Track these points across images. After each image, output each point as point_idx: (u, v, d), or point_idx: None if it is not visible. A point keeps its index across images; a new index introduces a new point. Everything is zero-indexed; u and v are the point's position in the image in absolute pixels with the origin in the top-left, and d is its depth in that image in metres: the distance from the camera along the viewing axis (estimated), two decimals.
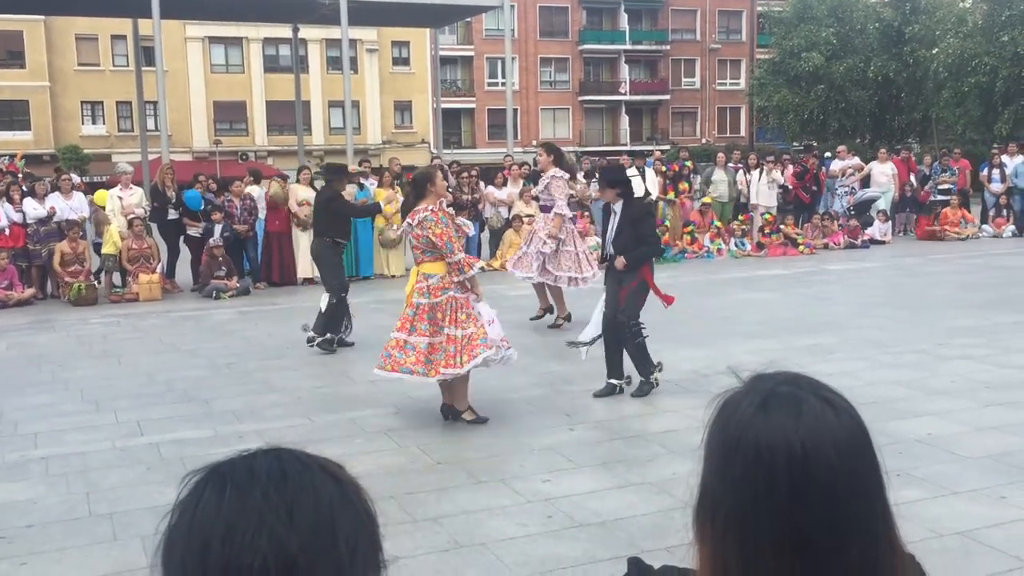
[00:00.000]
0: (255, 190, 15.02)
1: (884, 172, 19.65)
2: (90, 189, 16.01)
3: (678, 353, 8.41)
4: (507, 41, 23.81)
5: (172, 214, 14.30)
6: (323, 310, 9.33)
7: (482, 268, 10.54)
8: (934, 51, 34.25)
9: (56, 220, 13.73)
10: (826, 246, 17.65)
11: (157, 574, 0.89)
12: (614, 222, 7.24)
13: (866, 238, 18.18)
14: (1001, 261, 15.48)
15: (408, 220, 6.50)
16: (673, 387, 7.31)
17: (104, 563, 4.36)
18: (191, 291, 14.01)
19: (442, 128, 29.77)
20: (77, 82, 44.33)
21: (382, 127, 49.22)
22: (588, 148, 48.21)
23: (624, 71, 54.99)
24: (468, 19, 43.13)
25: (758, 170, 18.21)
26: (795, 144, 39.09)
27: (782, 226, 17.58)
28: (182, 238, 14.54)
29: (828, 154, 21.09)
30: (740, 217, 17.76)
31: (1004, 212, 19.68)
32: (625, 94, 54.79)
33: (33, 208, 13.64)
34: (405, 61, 50.09)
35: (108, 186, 15.10)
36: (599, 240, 16.43)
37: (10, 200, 13.70)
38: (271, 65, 46.82)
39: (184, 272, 14.50)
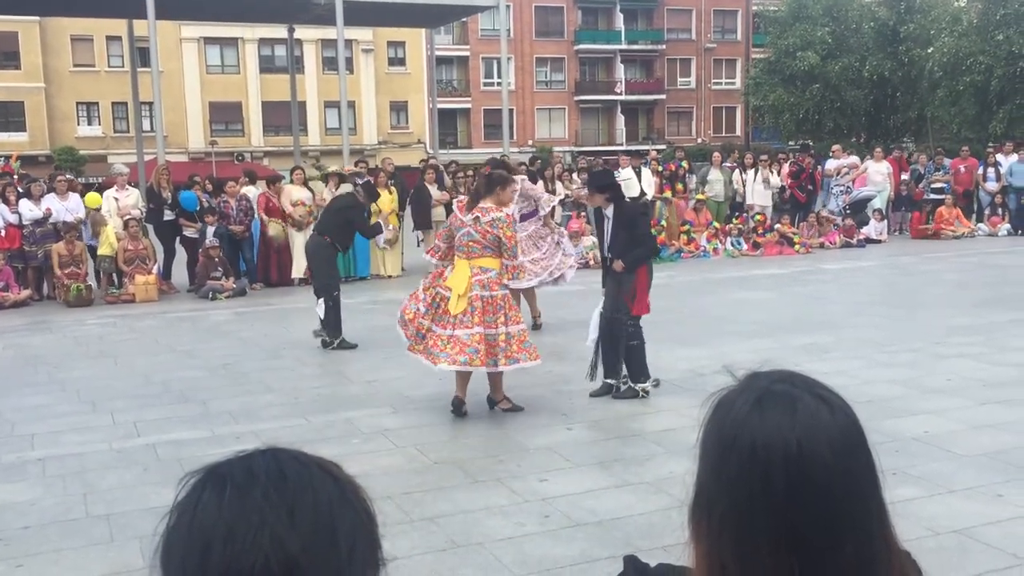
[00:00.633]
0: (251, 191, 15.01)
1: (880, 171, 19.68)
2: (85, 190, 15.97)
3: (674, 352, 8.42)
4: (503, 41, 23.80)
5: (168, 215, 14.29)
6: (322, 317, 9.35)
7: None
8: (929, 50, 34.31)
9: (52, 221, 13.70)
10: (822, 245, 17.68)
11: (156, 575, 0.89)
12: (608, 226, 7.24)
13: (862, 237, 18.21)
14: (996, 260, 15.52)
15: (476, 214, 6.61)
16: (670, 386, 7.32)
17: (101, 564, 4.35)
18: (187, 292, 14.00)
19: (438, 128, 29.74)
20: (72, 83, 44.28)
21: (378, 127, 49.22)
22: (584, 148, 48.25)
23: (620, 71, 55.03)
24: (464, 19, 43.12)
25: (753, 170, 18.23)
26: (791, 143, 39.11)
27: (777, 225, 17.61)
28: (178, 239, 14.52)
29: (831, 152, 21.10)
30: (735, 219, 17.78)
31: (999, 211, 19.73)
32: (621, 94, 54.82)
33: (29, 209, 13.62)
34: (401, 61, 50.09)
35: (103, 187, 15.07)
36: (595, 240, 16.48)
37: (6, 201, 13.68)
38: (267, 66, 46.80)
39: (180, 273, 14.49)
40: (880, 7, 39.42)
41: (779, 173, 18.63)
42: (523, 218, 9.94)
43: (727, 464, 1.07)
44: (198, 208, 14.28)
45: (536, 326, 10.20)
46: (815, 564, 1.03)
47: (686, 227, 17.16)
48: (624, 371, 7.17)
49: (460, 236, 6.65)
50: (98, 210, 14.39)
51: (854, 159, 20.59)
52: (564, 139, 53.11)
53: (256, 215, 14.67)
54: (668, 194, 17.53)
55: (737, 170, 18.38)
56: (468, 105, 52.25)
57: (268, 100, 46.23)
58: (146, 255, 13.74)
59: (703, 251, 16.92)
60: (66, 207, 13.93)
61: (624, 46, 54.71)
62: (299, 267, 14.50)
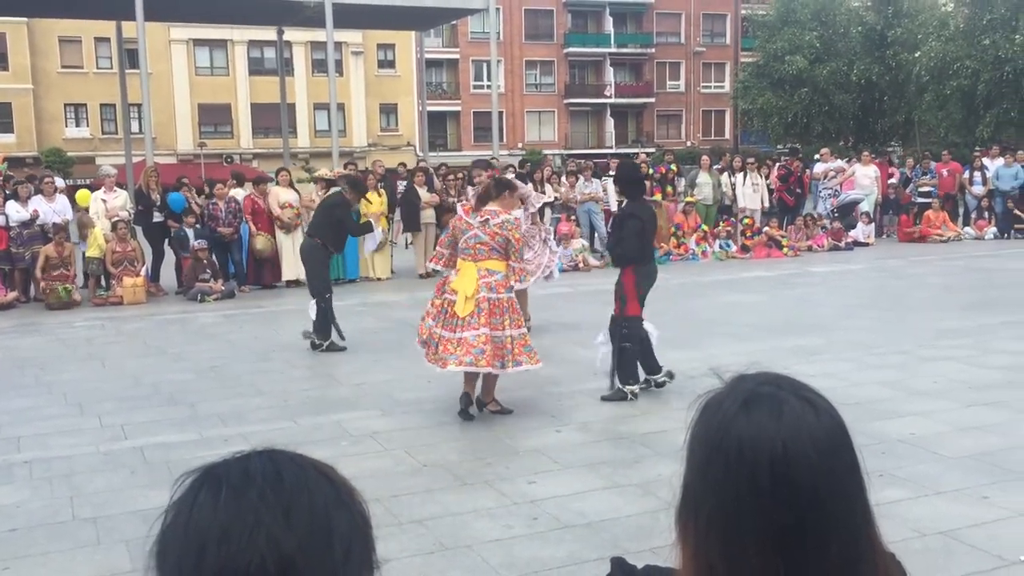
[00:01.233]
0: (239, 193, 14.98)
1: (867, 175, 19.77)
2: (73, 192, 15.90)
3: (663, 355, 8.41)
4: (492, 44, 23.84)
5: (156, 217, 14.24)
6: (314, 318, 9.36)
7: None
8: (916, 54, 34.45)
9: (39, 223, 13.63)
10: (810, 248, 17.75)
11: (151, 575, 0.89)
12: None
13: (849, 240, 18.29)
14: (983, 263, 15.60)
15: (484, 216, 6.65)
16: (658, 389, 7.33)
17: (88, 567, 4.34)
18: (176, 294, 13.95)
19: (428, 131, 29.75)
20: (60, 84, 44.10)
21: (367, 130, 49.16)
22: (573, 151, 48.30)
23: (609, 74, 55.12)
24: (453, 22, 43.14)
25: (742, 173, 18.29)
26: (779, 147, 39.24)
27: (766, 228, 17.67)
28: (167, 241, 14.47)
29: (817, 156, 21.19)
30: (723, 223, 17.84)
31: (986, 214, 19.83)
32: (610, 97, 54.91)
33: (16, 211, 13.55)
34: (390, 64, 50.05)
35: (92, 188, 15.00)
36: (585, 243, 16.52)
37: None
38: (256, 67, 46.70)
39: (169, 275, 14.43)
40: (868, 12, 39.59)
41: (768, 177, 18.69)
42: None
43: (713, 466, 1.08)
44: (185, 210, 14.24)
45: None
46: (801, 565, 1.04)
47: (673, 230, 17.20)
48: (640, 372, 7.21)
49: (466, 239, 6.64)
50: (86, 211, 14.34)
51: (841, 163, 20.69)
52: (554, 142, 53.15)
53: (244, 219, 14.63)
54: (657, 197, 17.56)
55: (726, 173, 18.42)
56: (458, 108, 52.25)
57: (257, 102, 46.12)
58: (134, 257, 13.69)
59: (692, 254, 16.96)
60: (53, 209, 13.86)
61: (614, 49, 54.81)
62: (289, 270, 14.48)
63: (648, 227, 7.23)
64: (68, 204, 14.52)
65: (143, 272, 13.69)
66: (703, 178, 18.07)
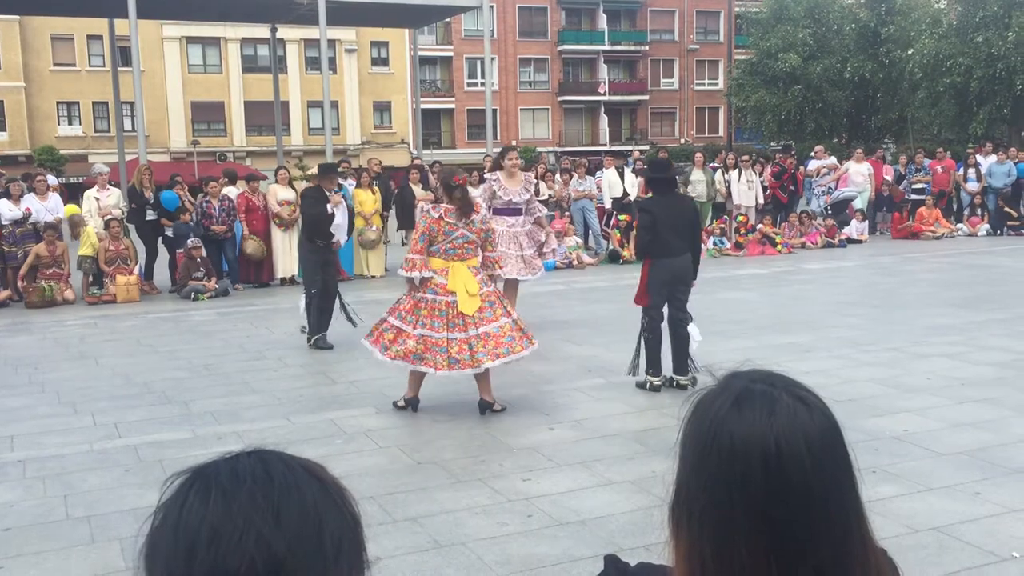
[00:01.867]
0: (231, 191, 14.96)
1: (860, 172, 19.80)
2: (67, 190, 15.86)
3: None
4: (486, 41, 23.81)
5: (150, 215, 14.21)
6: (302, 313, 9.48)
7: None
8: (909, 52, 34.46)
9: (32, 221, 13.60)
10: (803, 245, 17.78)
11: None
12: None
13: (843, 237, 18.33)
14: (976, 260, 15.65)
15: (474, 215, 6.71)
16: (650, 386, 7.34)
17: (82, 566, 4.33)
18: (169, 292, 13.93)
19: (422, 128, 29.72)
20: (53, 82, 43.94)
21: (361, 127, 49.09)
22: (567, 148, 48.32)
23: (603, 71, 55.12)
24: (447, 19, 43.08)
25: (736, 170, 18.30)
26: (772, 144, 39.25)
27: (759, 226, 17.69)
28: (160, 239, 14.45)
29: (812, 154, 21.22)
30: (715, 221, 17.86)
31: (979, 211, 19.88)
32: (604, 94, 54.91)
33: (8, 209, 13.51)
34: (384, 61, 49.97)
35: (85, 186, 14.97)
36: (579, 240, 16.53)
37: None
38: (249, 65, 46.56)
39: (162, 273, 14.41)
40: (861, 9, 39.62)
41: (761, 174, 18.70)
42: (498, 212, 9.77)
43: (706, 463, 1.08)
44: (179, 208, 14.22)
45: None
46: (793, 561, 1.05)
47: None
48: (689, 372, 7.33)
49: (452, 240, 6.60)
50: (77, 213, 14.30)
51: (832, 160, 20.73)
52: (548, 139, 53.16)
53: (238, 217, 14.61)
54: (651, 195, 17.57)
55: (720, 171, 18.43)
56: (452, 105, 52.21)
57: (250, 100, 46.02)
58: (127, 255, 13.66)
59: None
60: (46, 207, 13.83)
61: (607, 47, 54.81)
62: (283, 268, 14.48)
63: (661, 221, 7.22)
64: (61, 202, 14.49)
65: (136, 270, 13.66)
66: (697, 175, 18.08)
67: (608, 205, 17.40)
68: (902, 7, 37.01)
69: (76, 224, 14.18)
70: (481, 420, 6.59)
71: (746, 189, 18.12)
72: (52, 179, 15.66)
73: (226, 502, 0.87)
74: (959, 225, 19.88)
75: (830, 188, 19.72)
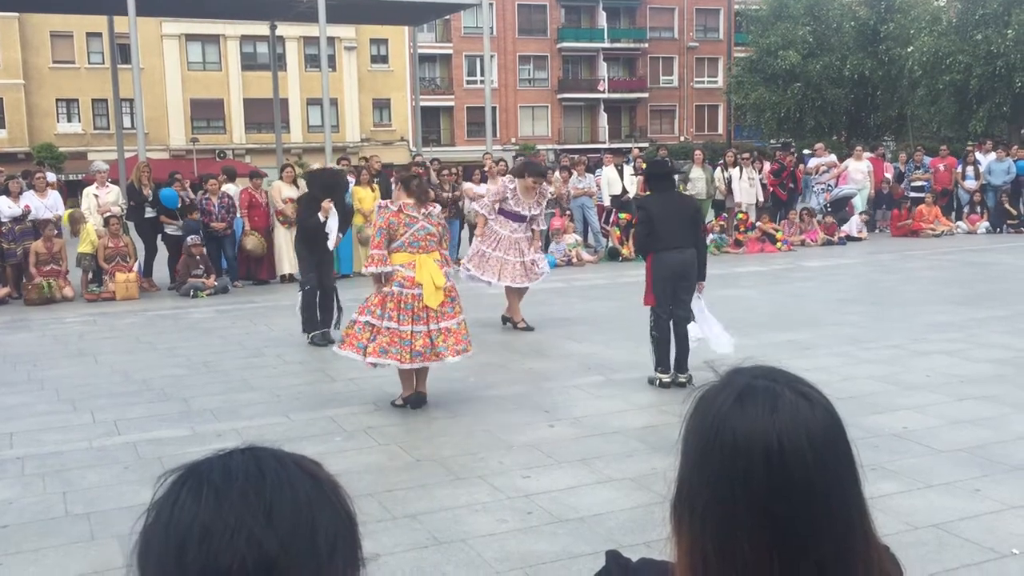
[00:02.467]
0: (230, 188, 14.94)
1: (860, 169, 19.80)
2: (66, 188, 15.86)
3: None
4: (486, 39, 23.80)
5: (149, 212, 14.20)
6: (298, 312, 9.60)
7: (459, 265, 10.53)
8: (909, 49, 34.46)
9: (31, 219, 13.59)
10: (803, 243, 17.78)
11: (133, 575, 0.89)
12: None
13: (842, 235, 18.33)
14: (975, 257, 15.65)
15: (427, 209, 6.76)
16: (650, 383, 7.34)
17: (81, 563, 4.33)
18: (168, 290, 13.92)
19: (421, 126, 29.73)
20: (52, 79, 43.92)
21: (361, 125, 49.07)
22: (567, 146, 48.29)
23: (602, 69, 55.09)
24: (447, 17, 43.07)
25: (737, 168, 18.28)
26: (772, 142, 39.25)
27: (758, 223, 17.69)
28: (159, 236, 14.43)
29: (807, 151, 21.23)
30: (715, 219, 17.87)
31: (978, 209, 19.88)
32: (604, 92, 54.88)
33: (8, 206, 13.50)
34: (383, 59, 49.94)
35: (84, 184, 14.96)
36: (578, 238, 16.53)
37: None
38: (248, 63, 46.53)
39: (161, 271, 14.40)
40: (860, 6, 39.61)
41: (761, 171, 18.70)
42: (503, 213, 9.84)
43: (709, 459, 1.08)
44: (179, 206, 14.20)
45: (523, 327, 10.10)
46: (796, 557, 1.04)
47: None
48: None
49: (413, 232, 6.64)
50: (77, 207, 14.29)
51: (832, 158, 20.73)
52: (547, 137, 53.15)
53: (238, 213, 14.61)
54: (650, 192, 17.57)
55: (719, 169, 18.43)
56: (451, 103, 52.19)
57: (250, 97, 45.98)
58: (127, 253, 13.65)
59: None
60: (45, 204, 13.82)
61: (607, 44, 54.78)
62: (283, 265, 14.47)
63: (658, 218, 7.26)
64: (60, 199, 14.48)
65: (135, 268, 13.65)
66: (696, 173, 18.07)
67: (607, 203, 17.39)
68: (902, 5, 37.02)
69: (76, 221, 14.17)
70: (480, 417, 6.59)
71: (747, 187, 18.11)
72: (51, 176, 15.63)
73: (218, 500, 0.86)
74: (958, 223, 19.88)
75: (830, 186, 19.72)
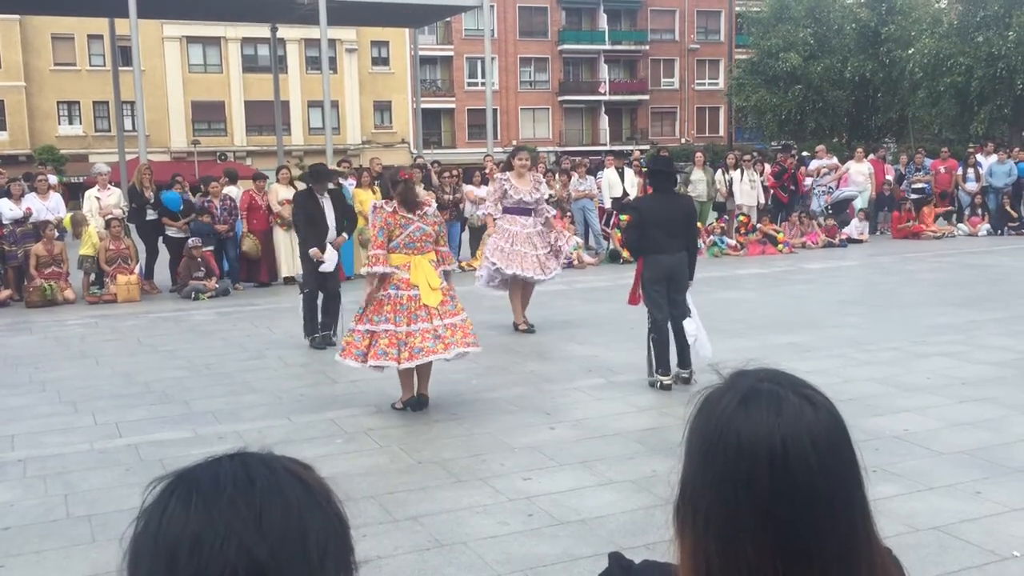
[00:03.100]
0: (232, 191, 14.95)
1: (861, 171, 19.80)
2: (67, 190, 15.86)
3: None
4: (487, 41, 23.82)
5: (150, 215, 14.21)
6: (300, 314, 9.61)
7: (461, 268, 10.55)
8: (910, 51, 34.44)
9: (32, 221, 13.60)
10: (804, 245, 17.77)
11: None
12: None
13: (843, 237, 18.33)
14: (976, 260, 15.64)
15: (421, 210, 6.73)
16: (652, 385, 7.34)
17: (83, 565, 4.33)
18: (170, 292, 13.93)
19: (422, 128, 29.73)
20: (53, 82, 43.96)
21: (362, 127, 49.09)
22: (568, 148, 48.28)
23: (603, 71, 55.10)
24: (448, 19, 43.09)
25: (739, 170, 18.28)
26: (773, 144, 39.24)
27: (758, 225, 17.69)
28: (160, 239, 14.44)
29: (805, 153, 21.24)
30: (716, 221, 17.86)
31: (979, 211, 19.87)
32: (605, 94, 54.90)
33: (9, 209, 13.51)
34: (384, 61, 49.97)
35: (86, 186, 14.97)
36: (579, 240, 16.53)
37: None
38: (249, 65, 46.57)
39: (163, 273, 14.41)
40: (862, 8, 39.60)
41: (762, 173, 18.69)
42: (508, 211, 9.88)
43: (712, 462, 1.08)
44: (182, 208, 14.21)
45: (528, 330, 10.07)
46: (799, 560, 1.05)
47: None
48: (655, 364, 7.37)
49: (409, 233, 6.64)
50: (78, 209, 14.30)
51: (833, 160, 20.73)
52: (548, 139, 53.15)
53: (240, 216, 14.62)
54: (649, 192, 17.56)
55: (720, 171, 18.42)
56: (452, 105, 52.20)
57: (251, 99, 46.02)
58: (128, 255, 13.66)
59: None
60: (47, 206, 13.83)
61: (608, 46, 54.80)
62: (284, 268, 14.48)
63: (650, 219, 7.26)
64: (62, 202, 14.49)
65: (137, 270, 13.66)
66: (697, 175, 18.07)
67: (608, 205, 17.40)
68: (903, 7, 37.00)
69: (78, 223, 14.18)
70: (481, 419, 6.59)
71: (748, 189, 18.11)
72: (52, 178, 15.64)
73: (207, 508, 0.86)
74: (959, 225, 19.88)
75: (831, 188, 19.72)
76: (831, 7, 39.66)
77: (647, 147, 40.02)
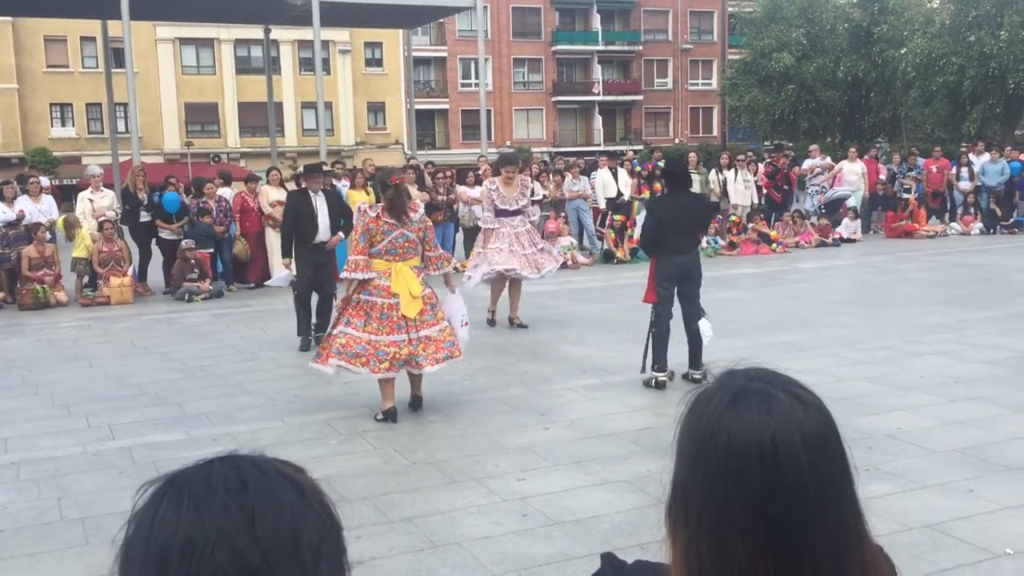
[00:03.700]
0: (226, 192, 14.92)
1: (854, 171, 19.84)
2: (60, 192, 15.82)
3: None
4: (480, 42, 23.81)
5: (144, 216, 14.17)
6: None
7: (456, 268, 10.57)
8: (902, 51, 34.56)
9: (25, 223, 13.56)
10: (797, 244, 17.80)
11: None
12: None
13: (836, 236, 18.36)
14: (968, 259, 15.68)
15: (410, 214, 6.67)
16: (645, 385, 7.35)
17: (76, 568, 4.32)
18: (163, 294, 13.89)
19: (416, 129, 29.71)
20: (46, 84, 43.85)
21: (355, 128, 49.05)
22: (562, 148, 48.30)
23: (597, 72, 55.15)
24: (441, 20, 43.07)
25: (732, 170, 18.30)
26: (766, 143, 39.32)
27: (751, 225, 17.71)
28: (154, 241, 14.41)
29: (809, 152, 21.28)
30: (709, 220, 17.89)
31: (972, 210, 19.93)
32: (598, 94, 54.94)
33: (2, 212, 13.47)
34: (378, 62, 49.95)
35: (79, 188, 14.94)
36: (573, 241, 16.53)
37: None
38: (243, 66, 46.52)
39: (156, 275, 14.37)
40: (854, 9, 39.73)
41: (756, 173, 18.71)
42: (498, 214, 10.07)
43: (703, 461, 1.08)
44: (179, 210, 14.18)
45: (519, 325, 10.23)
46: (790, 559, 1.05)
47: None
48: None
49: (391, 239, 6.57)
50: (71, 212, 14.26)
51: (828, 160, 20.76)
52: (542, 140, 53.16)
53: (233, 218, 14.59)
54: (646, 194, 17.57)
55: (713, 170, 18.44)
56: (446, 106, 52.18)
57: (244, 101, 45.95)
58: (121, 257, 13.63)
59: None
60: (39, 209, 13.79)
61: (601, 47, 54.84)
62: (277, 269, 14.45)
63: (666, 222, 7.33)
64: (54, 204, 14.44)
65: (130, 272, 13.63)
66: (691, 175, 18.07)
67: (602, 205, 17.40)
68: (895, 7, 37.13)
69: (71, 225, 14.13)
70: (475, 420, 6.59)
71: (742, 188, 18.13)
72: (44, 180, 15.60)
73: (198, 512, 0.85)
74: (952, 224, 19.93)
75: (824, 187, 19.75)
76: (824, 7, 39.79)
77: (640, 148, 40.05)
